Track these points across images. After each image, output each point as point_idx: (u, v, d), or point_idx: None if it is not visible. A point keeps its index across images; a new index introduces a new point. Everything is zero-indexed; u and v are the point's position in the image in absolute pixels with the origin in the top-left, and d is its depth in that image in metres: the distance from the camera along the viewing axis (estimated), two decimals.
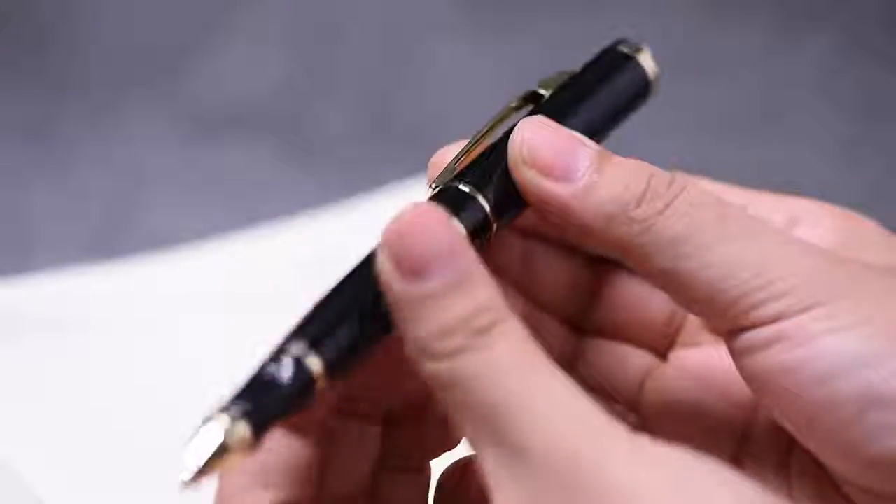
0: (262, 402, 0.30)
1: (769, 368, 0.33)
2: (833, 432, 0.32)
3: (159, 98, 0.74)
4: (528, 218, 0.37)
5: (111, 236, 0.65)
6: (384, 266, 0.30)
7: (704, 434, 0.37)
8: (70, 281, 0.61)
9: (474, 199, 0.34)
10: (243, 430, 0.29)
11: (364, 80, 0.77)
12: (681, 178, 0.34)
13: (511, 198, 0.35)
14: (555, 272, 0.39)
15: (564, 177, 0.34)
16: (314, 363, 0.30)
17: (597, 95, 0.37)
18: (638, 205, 0.34)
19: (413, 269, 0.29)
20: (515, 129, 0.35)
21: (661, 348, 0.39)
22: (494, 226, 0.34)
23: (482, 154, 0.35)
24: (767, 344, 0.33)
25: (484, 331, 0.29)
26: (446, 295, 0.29)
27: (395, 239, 0.29)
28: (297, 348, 0.30)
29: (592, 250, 0.37)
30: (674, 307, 0.39)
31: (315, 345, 0.30)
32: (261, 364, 0.30)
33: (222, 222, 0.64)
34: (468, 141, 0.36)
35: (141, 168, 0.70)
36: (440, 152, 0.36)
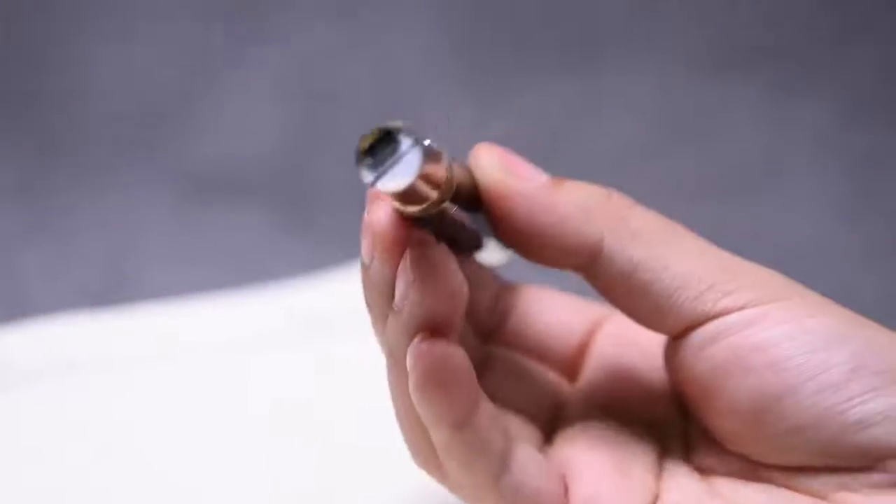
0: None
1: (743, 347, 0.34)
2: (812, 400, 0.33)
3: (154, 159, 0.74)
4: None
5: (105, 299, 0.64)
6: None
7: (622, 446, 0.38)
8: (63, 329, 0.60)
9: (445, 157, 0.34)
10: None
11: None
12: None
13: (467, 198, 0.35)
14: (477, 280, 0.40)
15: (531, 178, 0.36)
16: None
17: None
18: (609, 199, 0.35)
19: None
20: (475, 147, 0.36)
21: (571, 373, 0.41)
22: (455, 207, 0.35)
23: None
24: (744, 325, 0.34)
25: None
26: None
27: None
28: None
29: (544, 260, 0.37)
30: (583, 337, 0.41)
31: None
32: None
33: (218, 284, 0.64)
34: None
35: (136, 230, 0.70)
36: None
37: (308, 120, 0.77)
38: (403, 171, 0.30)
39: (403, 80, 0.80)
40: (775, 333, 0.34)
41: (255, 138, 0.76)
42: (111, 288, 0.66)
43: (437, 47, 0.81)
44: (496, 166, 0.36)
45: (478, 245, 0.38)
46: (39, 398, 0.57)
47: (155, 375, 0.58)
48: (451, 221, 0.35)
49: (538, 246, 0.36)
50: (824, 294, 0.36)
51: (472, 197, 0.35)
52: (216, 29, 0.83)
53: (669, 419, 0.38)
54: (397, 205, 0.33)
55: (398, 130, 0.30)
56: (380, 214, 0.33)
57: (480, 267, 0.40)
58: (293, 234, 0.69)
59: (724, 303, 0.34)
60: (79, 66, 0.80)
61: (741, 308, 0.34)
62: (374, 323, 0.36)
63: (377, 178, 0.30)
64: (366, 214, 0.34)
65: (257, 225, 0.70)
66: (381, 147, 0.30)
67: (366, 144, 0.30)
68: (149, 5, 0.85)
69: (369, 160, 0.30)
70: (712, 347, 0.34)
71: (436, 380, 0.33)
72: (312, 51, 0.82)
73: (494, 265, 0.40)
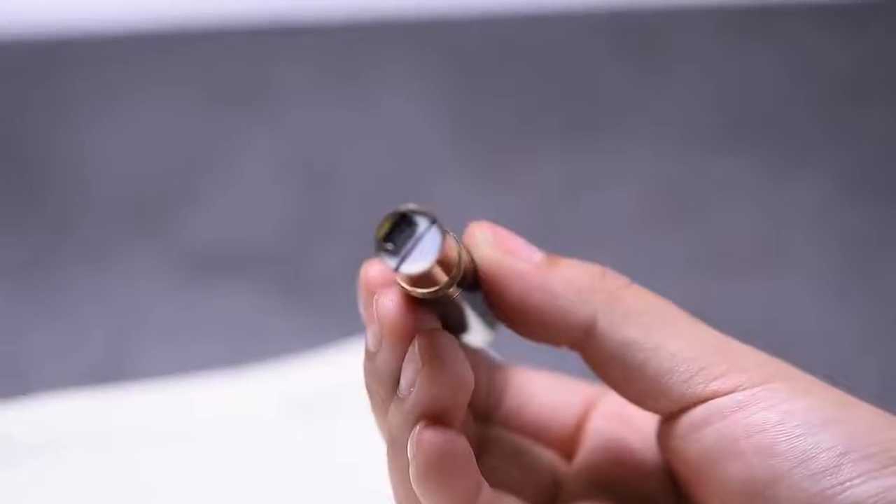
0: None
1: (734, 432, 0.34)
2: (804, 485, 0.33)
3: (156, 240, 0.74)
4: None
5: (107, 377, 0.64)
6: None
7: None
8: (64, 406, 0.60)
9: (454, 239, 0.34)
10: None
11: (361, 221, 0.77)
12: None
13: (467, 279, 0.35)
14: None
15: (526, 256, 0.36)
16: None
17: None
18: (602, 277, 0.35)
19: None
20: (470, 226, 0.37)
21: (568, 452, 0.41)
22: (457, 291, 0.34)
23: None
24: (733, 409, 0.34)
25: None
26: None
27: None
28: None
29: (539, 338, 0.37)
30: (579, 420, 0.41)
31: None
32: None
33: (219, 362, 0.64)
34: None
35: (137, 309, 0.70)
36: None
37: (307, 201, 0.78)
38: (424, 253, 0.30)
39: (403, 162, 0.81)
40: (763, 417, 0.33)
41: (255, 219, 0.76)
42: (112, 366, 0.66)
43: (436, 129, 0.82)
44: (490, 244, 0.36)
45: (464, 328, 0.38)
46: (40, 475, 0.57)
47: (155, 453, 0.58)
48: (451, 303, 0.35)
49: (532, 324, 0.36)
50: (820, 375, 0.36)
51: (470, 276, 0.35)
52: (217, 112, 0.84)
53: (664, 497, 0.38)
54: (407, 287, 0.33)
55: (413, 212, 0.30)
56: (388, 304, 0.33)
57: (475, 350, 0.40)
58: (294, 311, 0.69)
59: (714, 386, 0.34)
60: (82, 149, 0.81)
61: (731, 391, 0.34)
62: (375, 410, 0.36)
63: (400, 263, 0.30)
64: (374, 302, 0.34)
65: (258, 303, 0.70)
66: (398, 232, 0.30)
67: (383, 232, 0.30)
68: (150, 88, 0.86)
69: (389, 246, 0.30)
70: (702, 431, 0.34)
71: (438, 469, 0.33)
72: (312, 133, 0.82)
73: (478, 348, 0.40)
